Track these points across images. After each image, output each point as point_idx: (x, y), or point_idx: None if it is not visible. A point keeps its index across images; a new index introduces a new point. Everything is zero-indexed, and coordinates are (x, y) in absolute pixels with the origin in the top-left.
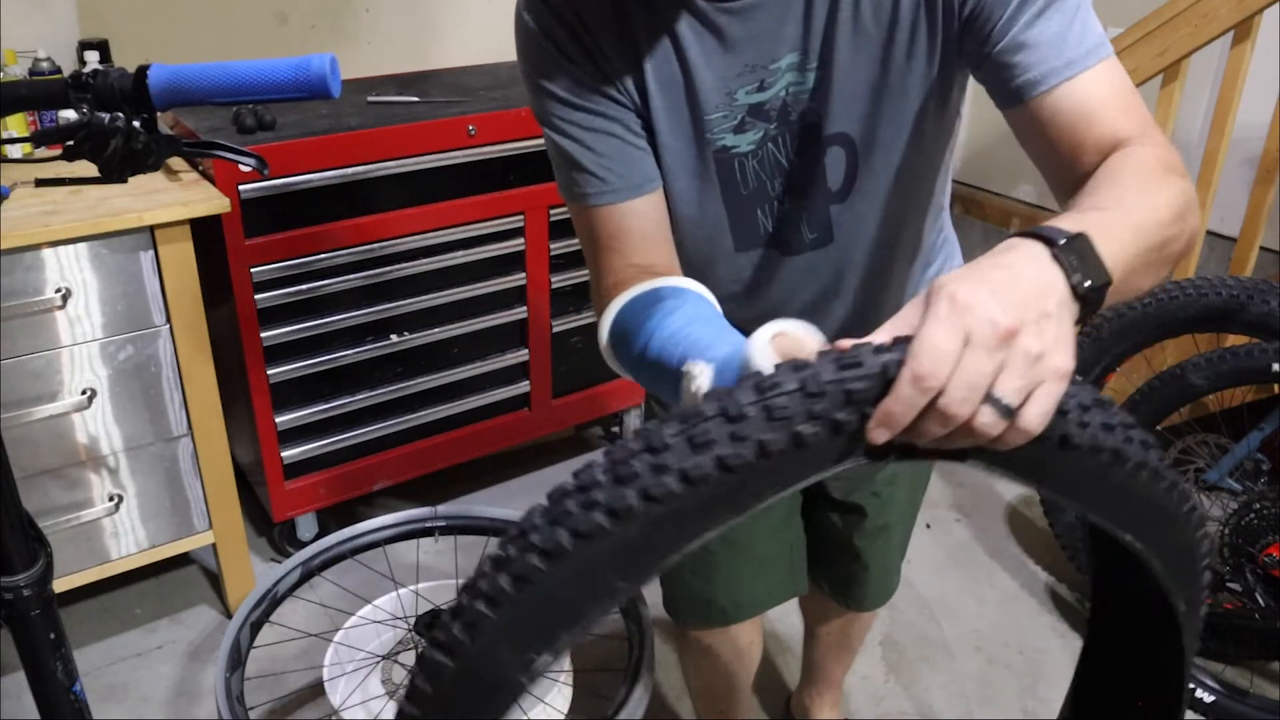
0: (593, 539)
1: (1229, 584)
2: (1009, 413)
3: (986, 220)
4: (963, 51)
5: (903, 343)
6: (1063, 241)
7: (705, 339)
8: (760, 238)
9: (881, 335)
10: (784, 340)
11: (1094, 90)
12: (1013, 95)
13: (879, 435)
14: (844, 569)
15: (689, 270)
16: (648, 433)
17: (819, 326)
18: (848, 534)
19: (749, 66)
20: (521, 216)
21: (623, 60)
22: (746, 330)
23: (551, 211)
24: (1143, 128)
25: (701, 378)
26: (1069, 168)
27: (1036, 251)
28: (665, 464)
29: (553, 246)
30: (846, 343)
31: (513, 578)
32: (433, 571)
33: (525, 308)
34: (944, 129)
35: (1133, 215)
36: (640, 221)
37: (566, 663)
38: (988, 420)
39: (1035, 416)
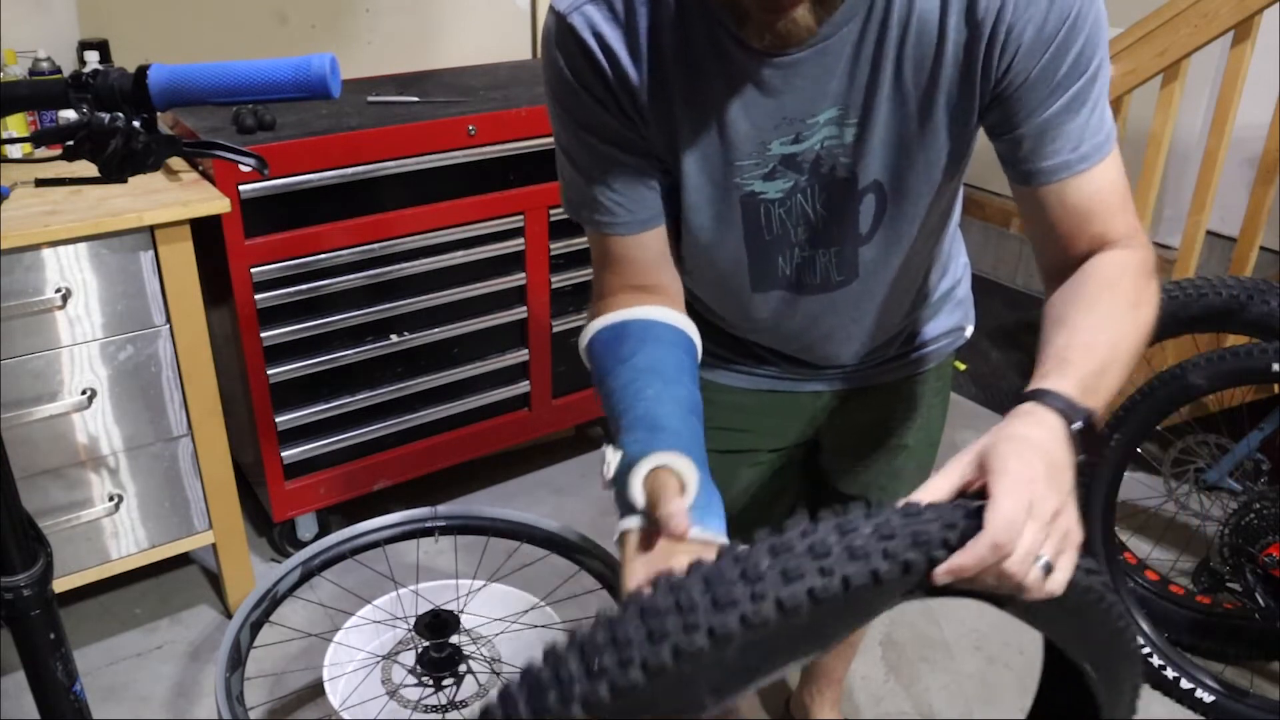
0: (693, 659)
1: (1229, 584)
2: (1049, 571)
3: (987, 220)
4: (984, 117)
5: (963, 508)
6: (1077, 425)
7: (633, 412)
8: (779, 281)
9: (935, 489)
10: (654, 479)
11: (1098, 185)
12: (1025, 177)
13: (943, 579)
14: None
15: (707, 297)
16: (743, 560)
17: (836, 350)
18: None
19: (786, 119)
20: (521, 216)
21: (654, 104)
22: (754, 349)
23: (551, 211)
24: (1131, 228)
25: (608, 468)
26: (1060, 253)
27: (1059, 431)
28: (762, 592)
29: (553, 246)
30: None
31: (611, 687)
32: (433, 572)
33: (525, 308)
34: (964, 164)
35: (1120, 353)
36: (643, 252)
37: None
38: (1034, 578)
39: (1060, 580)
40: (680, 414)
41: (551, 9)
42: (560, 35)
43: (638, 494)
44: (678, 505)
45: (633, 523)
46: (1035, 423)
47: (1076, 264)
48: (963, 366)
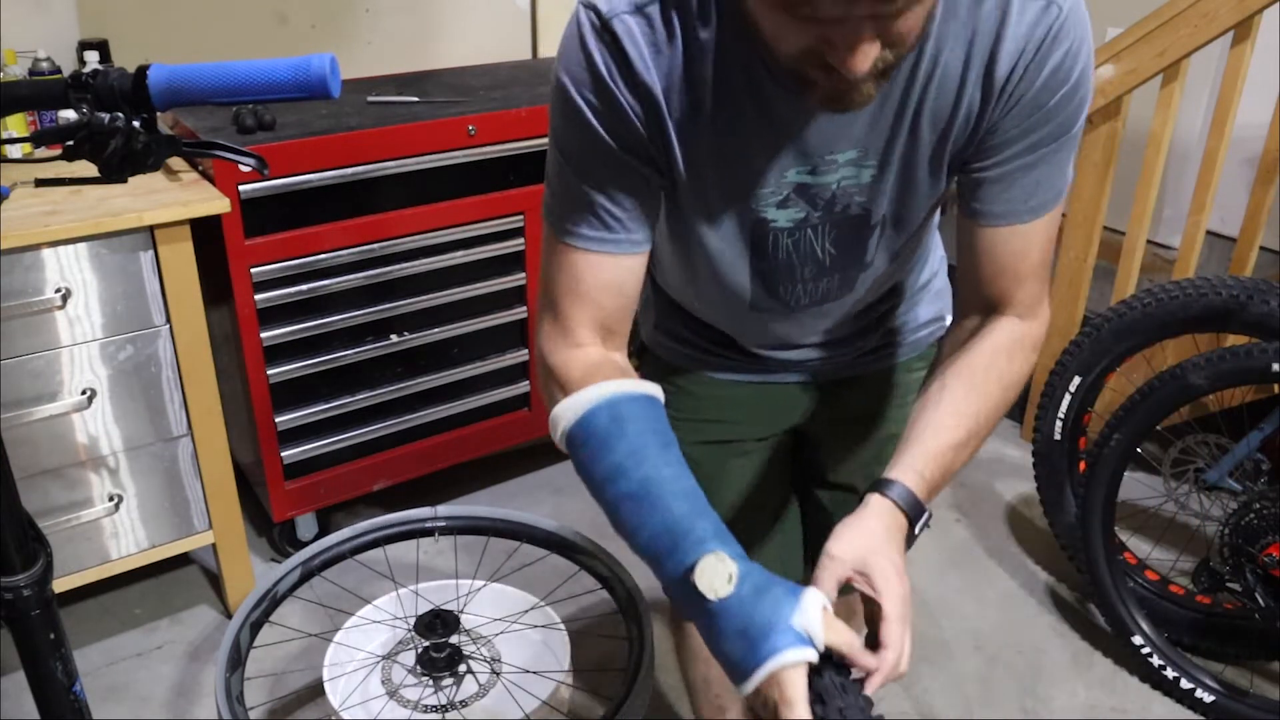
0: None
1: (1229, 584)
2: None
3: None
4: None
5: (856, 689)
6: (918, 530)
7: (696, 521)
8: (777, 306)
9: (816, 598)
10: (830, 614)
11: (1026, 242)
12: (973, 213)
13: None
14: None
15: (700, 303)
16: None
17: (821, 349)
18: (840, 514)
19: (805, 153)
20: (521, 216)
21: (678, 124)
22: (742, 347)
23: None
24: (1035, 296)
25: (727, 581)
26: (973, 287)
27: (904, 532)
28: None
29: None
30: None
31: None
32: (432, 571)
33: (525, 308)
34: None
35: (976, 432)
36: (621, 276)
37: (567, 662)
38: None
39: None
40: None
41: (589, 6)
42: (598, 34)
43: (818, 628)
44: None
45: (803, 655)
46: (893, 532)
47: (981, 306)
48: None
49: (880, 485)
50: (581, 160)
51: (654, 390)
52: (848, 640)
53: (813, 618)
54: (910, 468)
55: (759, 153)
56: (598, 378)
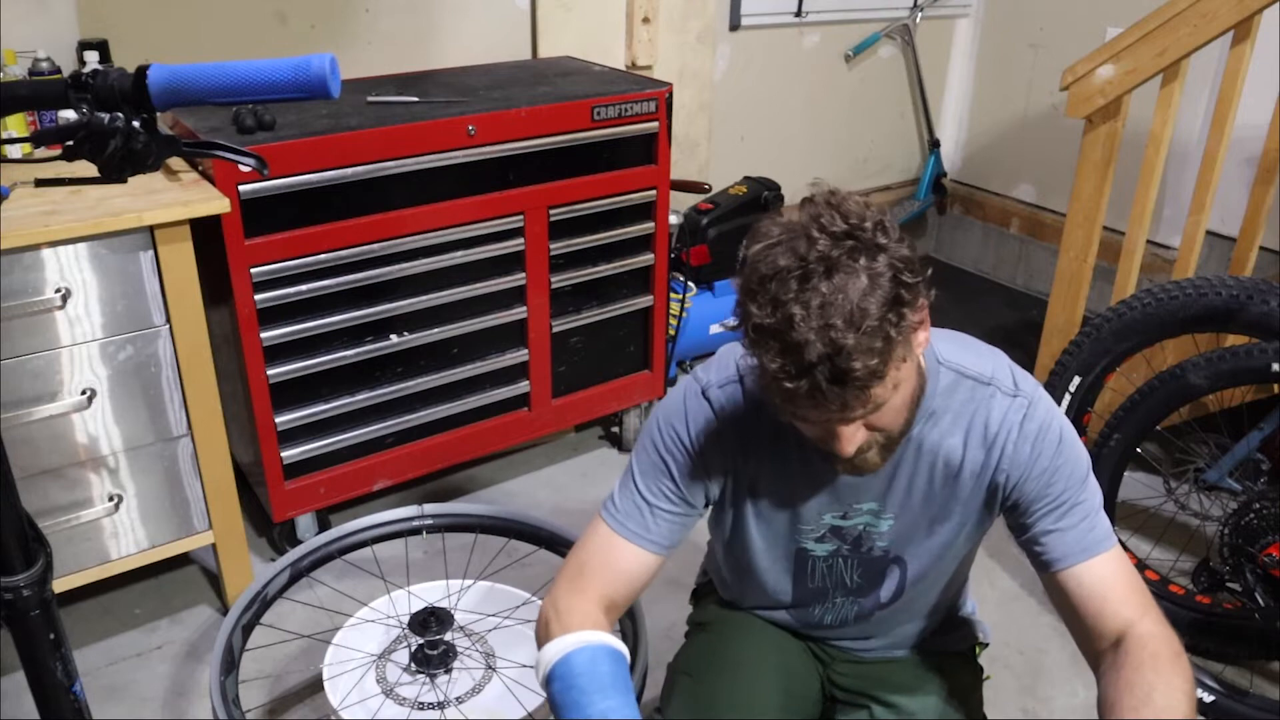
0: None
1: (1229, 584)
2: None
3: (986, 220)
4: (1005, 515)
5: None
6: None
7: None
8: (812, 614)
9: None
10: None
11: (1106, 572)
12: (1043, 565)
13: None
14: None
15: (741, 588)
16: None
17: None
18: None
19: (838, 500)
20: (521, 216)
21: (749, 473)
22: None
23: (551, 211)
24: (1145, 608)
25: None
26: (1089, 638)
27: None
28: None
29: (552, 246)
30: None
31: None
32: (426, 571)
33: (525, 308)
34: (979, 538)
35: None
36: (634, 565)
37: None
38: None
39: None
40: None
41: (695, 379)
42: (697, 399)
43: None
44: None
45: None
46: None
47: (1112, 641)
48: (988, 676)
49: None
50: (645, 474)
51: (620, 647)
52: None
53: None
54: None
55: (803, 498)
56: (589, 626)
